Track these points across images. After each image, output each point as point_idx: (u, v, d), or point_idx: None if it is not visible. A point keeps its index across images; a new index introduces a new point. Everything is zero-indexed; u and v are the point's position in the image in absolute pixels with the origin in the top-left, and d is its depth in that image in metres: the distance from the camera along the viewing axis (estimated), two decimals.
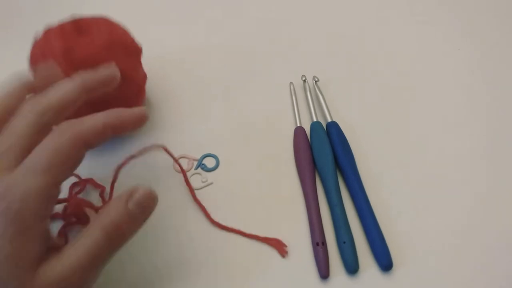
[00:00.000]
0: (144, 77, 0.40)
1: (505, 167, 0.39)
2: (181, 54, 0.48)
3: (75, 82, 0.28)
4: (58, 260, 0.25)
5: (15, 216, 0.23)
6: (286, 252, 0.34)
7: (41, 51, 0.35)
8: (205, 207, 0.36)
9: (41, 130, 0.26)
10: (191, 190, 0.37)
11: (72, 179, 0.37)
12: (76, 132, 0.26)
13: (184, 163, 0.39)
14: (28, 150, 0.25)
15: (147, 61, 0.40)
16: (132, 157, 0.33)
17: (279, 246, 0.34)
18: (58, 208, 0.35)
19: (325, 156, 0.38)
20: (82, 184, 0.37)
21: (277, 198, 0.37)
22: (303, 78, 0.45)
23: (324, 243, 0.34)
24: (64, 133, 0.26)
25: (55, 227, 0.34)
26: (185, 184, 0.37)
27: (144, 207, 0.27)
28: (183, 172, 0.38)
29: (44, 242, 0.25)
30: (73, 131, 0.26)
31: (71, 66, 0.33)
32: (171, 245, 0.35)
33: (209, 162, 0.39)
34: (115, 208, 0.27)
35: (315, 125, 0.40)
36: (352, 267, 0.33)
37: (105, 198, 0.36)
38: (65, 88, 0.28)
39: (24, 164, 0.25)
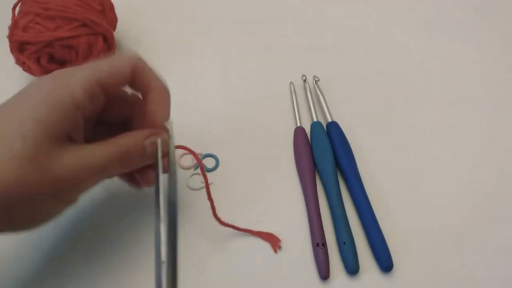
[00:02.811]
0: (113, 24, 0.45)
1: (507, 167, 0.39)
2: (178, 56, 0.48)
3: None
4: (75, 152, 0.28)
5: (62, 91, 0.27)
6: (280, 247, 0.34)
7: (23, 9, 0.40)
8: (204, 206, 0.36)
9: None
10: (207, 186, 0.35)
11: None
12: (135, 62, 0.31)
13: (189, 160, 0.39)
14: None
15: None
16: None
17: (273, 240, 0.34)
18: None
19: (325, 156, 0.38)
20: None
21: (277, 199, 0.37)
22: (304, 78, 0.45)
23: (324, 244, 0.33)
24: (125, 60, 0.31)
25: None
26: (184, 181, 0.38)
27: (156, 150, 0.31)
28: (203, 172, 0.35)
29: (73, 129, 0.28)
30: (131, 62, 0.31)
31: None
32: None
33: (209, 162, 0.39)
34: (133, 138, 0.30)
35: (315, 125, 0.40)
36: (352, 268, 0.33)
37: None
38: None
39: (87, 66, 0.29)
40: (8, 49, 0.40)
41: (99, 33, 0.41)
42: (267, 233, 0.35)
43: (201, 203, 0.37)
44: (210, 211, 0.36)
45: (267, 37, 0.49)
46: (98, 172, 0.29)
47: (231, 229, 0.34)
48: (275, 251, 0.34)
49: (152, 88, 0.31)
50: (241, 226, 0.35)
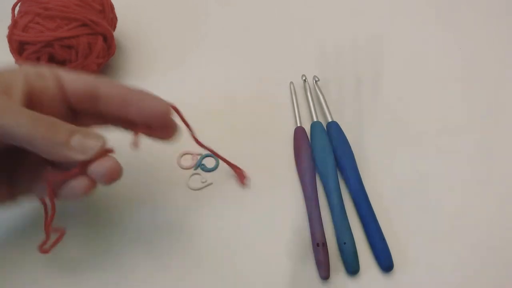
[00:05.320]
0: (112, 25, 0.45)
1: (506, 167, 0.39)
2: (178, 56, 0.48)
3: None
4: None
5: None
6: (245, 184, 0.37)
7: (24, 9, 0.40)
8: (204, 207, 0.36)
9: None
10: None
11: None
12: None
13: (189, 159, 0.39)
14: None
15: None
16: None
17: (240, 175, 0.37)
18: None
19: (325, 156, 0.38)
20: None
21: (277, 199, 0.37)
22: (304, 78, 0.45)
23: (324, 244, 0.33)
24: None
25: None
26: (184, 181, 0.38)
27: (84, 151, 0.28)
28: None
29: None
30: None
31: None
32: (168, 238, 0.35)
33: (209, 162, 0.39)
34: (63, 128, 0.28)
35: (315, 125, 0.40)
36: (352, 268, 0.33)
37: None
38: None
39: None
40: (8, 49, 0.40)
41: (99, 33, 0.41)
42: (237, 166, 0.38)
43: (201, 203, 0.37)
44: (211, 212, 0.36)
45: (267, 37, 0.49)
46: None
47: (234, 240, 0.35)
48: (243, 186, 0.37)
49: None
50: (239, 225, 0.35)
